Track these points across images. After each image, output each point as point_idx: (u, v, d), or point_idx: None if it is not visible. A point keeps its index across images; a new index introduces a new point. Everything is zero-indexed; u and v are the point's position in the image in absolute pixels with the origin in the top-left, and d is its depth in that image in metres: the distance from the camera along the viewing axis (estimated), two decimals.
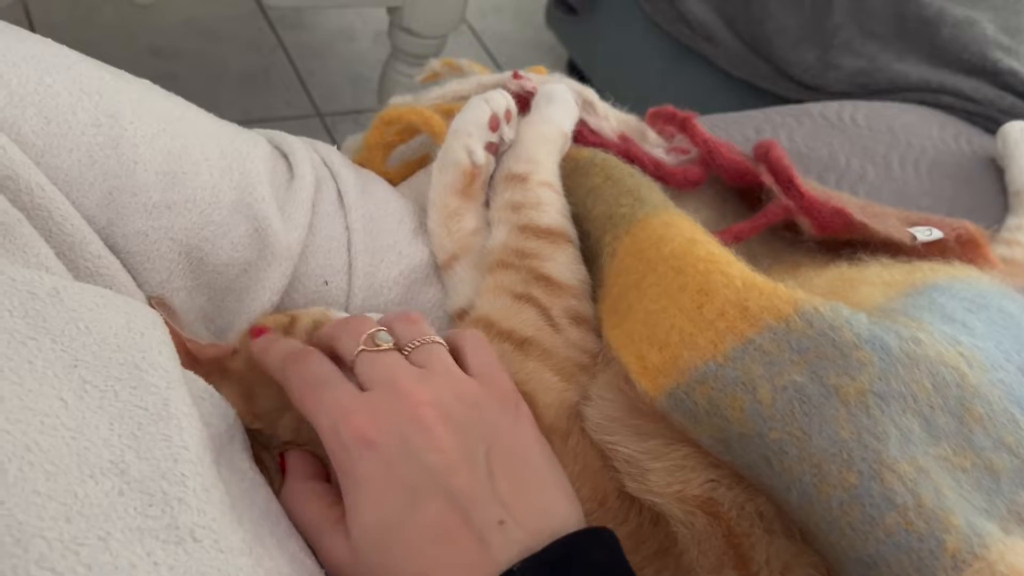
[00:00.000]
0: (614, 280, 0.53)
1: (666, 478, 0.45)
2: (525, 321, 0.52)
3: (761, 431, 0.42)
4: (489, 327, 0.52)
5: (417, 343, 0.46)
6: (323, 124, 1.67)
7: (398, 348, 0.45)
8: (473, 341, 0.48)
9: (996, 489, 0.41)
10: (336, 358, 0.46)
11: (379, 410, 0.42)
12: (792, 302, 0.45)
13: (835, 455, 0.40)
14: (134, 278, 0.51)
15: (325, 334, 0.48)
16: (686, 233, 0.51)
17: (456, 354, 0.47)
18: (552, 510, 0.42)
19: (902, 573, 0.38)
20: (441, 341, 0.47)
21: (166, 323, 0.45)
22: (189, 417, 0.38)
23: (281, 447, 0.48)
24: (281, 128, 0.63)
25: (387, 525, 0.40)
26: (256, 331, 0.50)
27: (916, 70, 1.01)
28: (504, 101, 0.59)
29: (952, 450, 0.41)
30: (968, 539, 0.38)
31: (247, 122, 0.62)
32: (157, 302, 0.52)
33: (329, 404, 0.42)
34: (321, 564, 0.42)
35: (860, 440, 0.40)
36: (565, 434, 0.48)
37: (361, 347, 0.45)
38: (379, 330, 0.46)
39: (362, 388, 0.43)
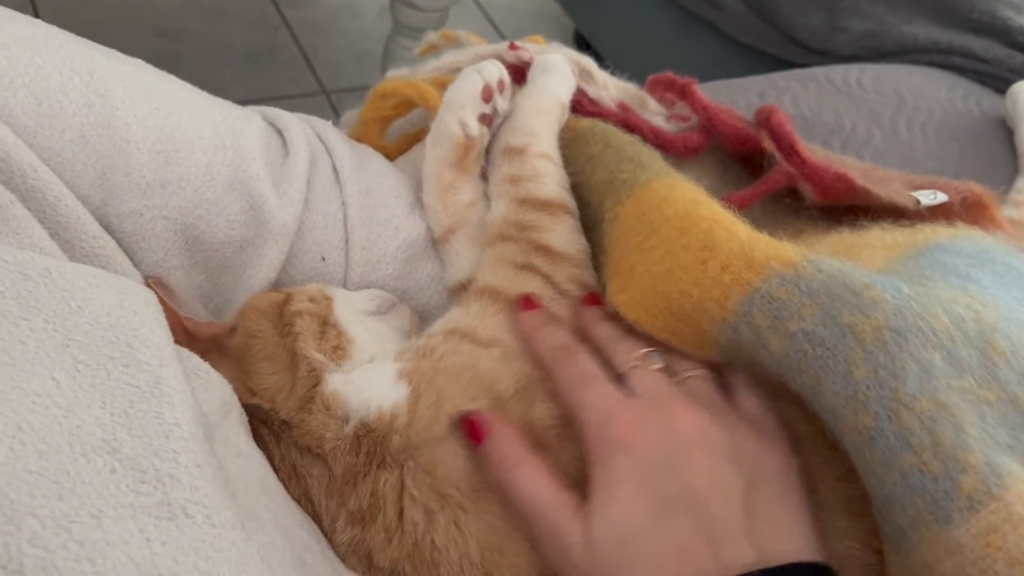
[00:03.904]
0: (615, 244, 0.52)
1: None
2: (531, 289, 0.52)
3: (786, 376, 0.42)
4: (496, 296, 0.52)
5: (690, 373, 0.47)
6: (329, 101, 1.66)
7: (669, 374, 0.47)
8: (746, 381, 0.47)
9: (1022, 424, 0.40)
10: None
11: (647, 418, 0.43)
12: (799, 254, 0.44)
13: (850, 398, 0.39)
14: (130, 258, 0.51)
15: (597, 339, 0.49)
16: (689, 195, 0.50)
17: (726, 390, 0.47)
18: (801, 558, 0.41)
19: (917, 515, 0.37)
20: (709, 374, 0.47)
21: (163, 302, 0.45)
22: (181, 394, 0.38)
23: (281, 425, 0.48)
24: (286, 106, 0.63)
25: (633, 528, 0.40)
26: (526, 302, 0.50)
27: (925, 31, 0.99)
28: (496, 71, 0.58)
29: (977, 383, 0.40)
30: (986, 479, 0.37)
31: (252, 101, 0.61)
32: (155, 281, 0.52)
33: (596, 399, 0.44)
34: (549, 549, 0.42)
35: (876, 378, 0.39)
36: None
37: (635, 362, 0.46)
38: (654, 351, 0.47)
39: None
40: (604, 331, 0.49)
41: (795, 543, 0.41)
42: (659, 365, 0.47)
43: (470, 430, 0.44)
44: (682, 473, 0.41)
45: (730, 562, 0.39)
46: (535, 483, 0.42)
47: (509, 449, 0.43)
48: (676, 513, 0.40)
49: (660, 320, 0.47)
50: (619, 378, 0.46)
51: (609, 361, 0.47)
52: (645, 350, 0.47)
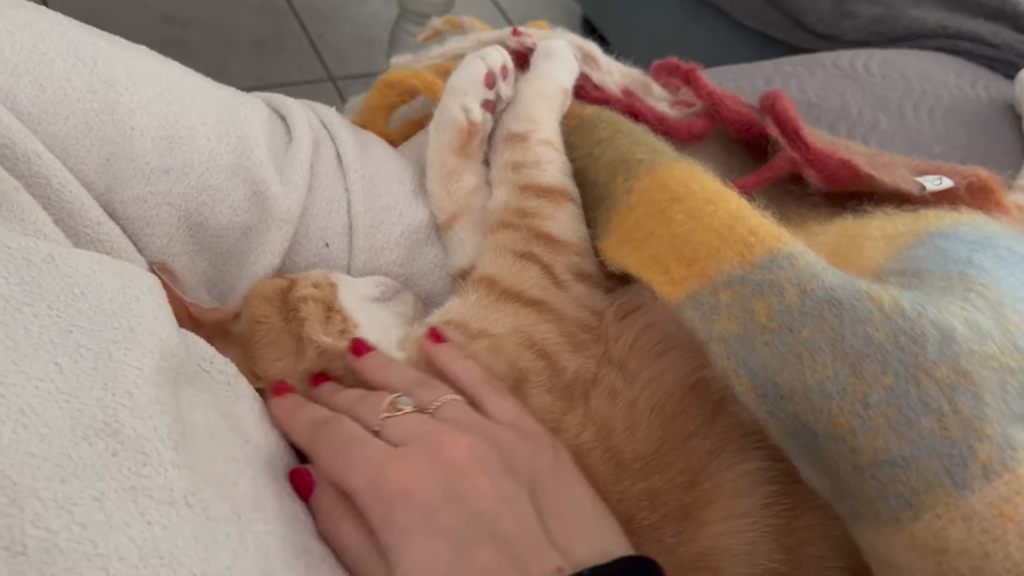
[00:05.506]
0: (628, 213, 0.52)
1: None
2: (529, 280, 0.52)
3: (792, 327, 0.42)
4: (492, 286, 0.52)
5: (438, 403, 0.46)
6: (335, 88, 1.66)
7: (420, 411, 0.46)
8: (491, 390, 0.47)
9: None
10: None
11: (416, 461, 0.41)
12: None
13: (870, 355, 0.40)
14: (135, 244, 0.51)
15: (344, 405, 0.47)
16: (715, 183, 0.50)
17: (475, 406, 0.47)
18: (607, 548, 0.41)
19: (932, 477, 0.38)
20: (459, 397, 0.47)
21: (168, 288, 0.46)
22: None
23: None
24: (293, 93, 0.63)
25: (435, 573, 0.38)
26: (279, 388, 0.48)
27: (934, 16, 0.98)
28: (500, 57, 0.58)
29: (999, 349, 0.40)
30: (1001, 450, 0.38)
31: (259, 88, 0.61)
32: (159, 268, 0.52)
33: (361, 461, 0.42)
34: None
35: (896, 342, 0.40)
36: (584, 396, 0.48)
37: (384, 414, 0.45)
38: (399, 396, 0.46)
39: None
40: (345, 398, 0.47)
41: (592, 534, 0.41)
42: (409, 408, 0.45)
43: (299, 484, 0.43)
44: (466, 501, 0.40)
45: (539, 573, 0.38)
46: (351, 539, 0.41)
47: (333, 502, 0.42)
48: (471, 542, 0.39)
49: (673, 269, 0.46)
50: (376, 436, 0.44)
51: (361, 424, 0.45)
52: (390, 398, 0.46)
